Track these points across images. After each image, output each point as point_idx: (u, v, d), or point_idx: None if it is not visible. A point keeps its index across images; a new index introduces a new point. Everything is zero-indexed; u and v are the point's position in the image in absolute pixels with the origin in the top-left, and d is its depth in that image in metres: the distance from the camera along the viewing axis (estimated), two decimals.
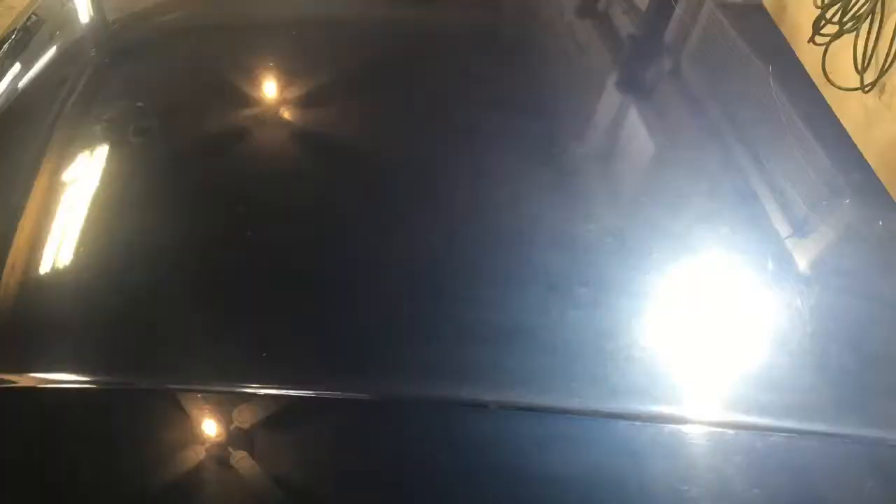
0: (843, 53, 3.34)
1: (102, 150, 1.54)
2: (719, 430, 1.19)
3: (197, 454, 1.10)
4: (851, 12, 3.28)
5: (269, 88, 1.76)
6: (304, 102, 1.72)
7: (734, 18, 2.17)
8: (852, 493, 1.17)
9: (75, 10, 2.07)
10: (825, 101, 1.90)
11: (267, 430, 1.14)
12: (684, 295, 1.37)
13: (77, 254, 1.33)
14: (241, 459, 1.09)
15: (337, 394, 1.18)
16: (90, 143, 1.56)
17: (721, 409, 1.21)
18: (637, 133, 1.77)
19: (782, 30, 2.23)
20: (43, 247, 1.34)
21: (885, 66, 3.14)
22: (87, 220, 1.38)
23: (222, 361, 1.21)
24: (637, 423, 1.17)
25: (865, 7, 3.21)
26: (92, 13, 2.07)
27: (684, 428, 1.18)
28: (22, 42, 1.91)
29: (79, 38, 1.96)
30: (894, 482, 1.19)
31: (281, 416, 1.16)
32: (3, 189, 1.45)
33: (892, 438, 1.22)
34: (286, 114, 1.69)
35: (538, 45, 2.02)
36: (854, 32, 3.29)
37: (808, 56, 3.36)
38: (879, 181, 1.66)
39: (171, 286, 1.31)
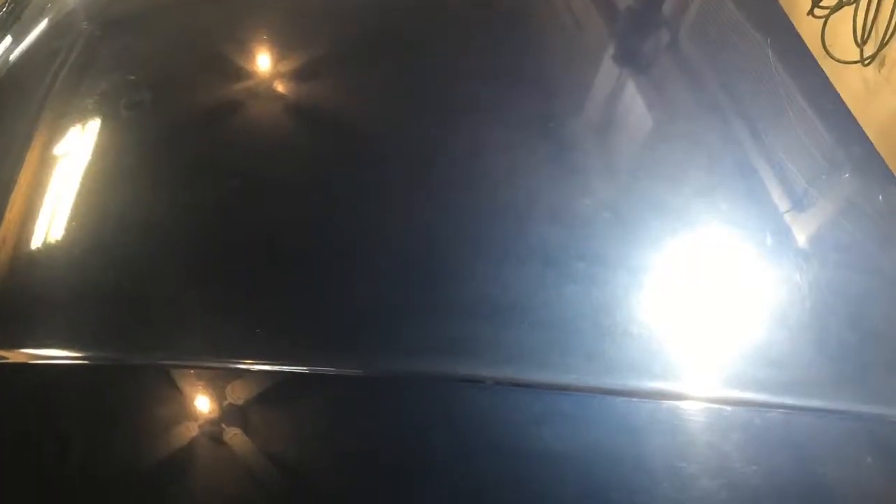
0: (843, 26, 3.32)
1: (94, 124, 1.53)
2: (717, 406, 1.18)
3: (190, 430, 1.09)
4: None
5: (263, 61, 1.74)
6: (299, 75, 1.70)
7: None
8: (851, 470, 1.17)
9: None
10: (824, 75, 1.89)
11: (260, 406, 1.14)
12: (682, 270, 1.36)
13: (69, 228, 1.32)
14: (234, 436, 1.08)
15: (331, 370, 1.18)
16: (82, 117, 1.54)
17: (719, 386, 1.21)
18: (635, 107, 1.75)
19: (781, 2, 2.21)
20: (34, 222, 1.33)
21: (885, 39, 3.13)
22: (79, 194, 1.37)
23: (215, 337, 1.20)
24: (634, 400, 1.17)
25: None
26: None
27: (682, 404, 1.18)
28: (13, 14, 1.89)
29: (70, 9, 1.94)
30: (894, 458, 1.19)
31: (275, 392, 1.15)
32: None
33: (892, 414, 1.22)
34: (280, 87, 1.68)
35: (535, 18, 2.00)
36: (853, 5, 3.28)
37: (808, 29, 3.35)
38: (879, 155, 1.65)
39: (164, 261, 1.30)
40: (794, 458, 1.16)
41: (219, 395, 1.14)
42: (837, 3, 3.33)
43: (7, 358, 1.17)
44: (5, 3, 1.94)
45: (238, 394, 1.13)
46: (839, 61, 3.34)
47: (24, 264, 1.29)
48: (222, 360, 1.17)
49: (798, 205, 1.51)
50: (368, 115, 1.62)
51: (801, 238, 1.44)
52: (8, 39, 1.79)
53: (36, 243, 1.31)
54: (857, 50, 3.28)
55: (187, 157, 1.49)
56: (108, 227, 1.34)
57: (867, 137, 1.69)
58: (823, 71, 1.90)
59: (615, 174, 1.56)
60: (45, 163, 1.44)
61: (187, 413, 1.14)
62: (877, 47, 3.19)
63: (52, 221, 1.32)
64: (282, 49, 1.79)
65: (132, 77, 1.64)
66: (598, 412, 1.16)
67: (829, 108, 1.77)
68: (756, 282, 1.37)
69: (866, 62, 3.25)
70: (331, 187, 1.43)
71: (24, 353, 1.17)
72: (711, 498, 1.09)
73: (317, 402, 1.18)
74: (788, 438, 1.17)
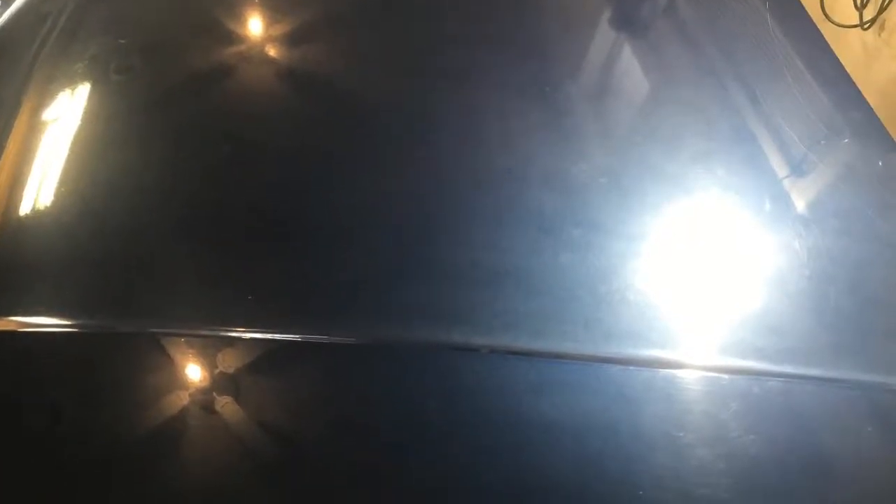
0: None
1: (84, 89, 1.51)
2: (715, 374, 1.18)
3: (180, 399, 1.08)
4: None
5: (255, 26, 1.72)
6: (292, 40, 1.68)
7: None
8: (851, 439, 1.17)
9: None
10: (823, 39, 1.88)
11: (252, 374, 1.13)
12: (680, 237, 1.35)
13: (58, 195, 1.30)
14: (225, 404, 1.07)
15: (324, 337, 1.17)
16: (71, 82, 1.52)
17: (717, 354, 1.20)
18: (631, 71, 1.74)
19: None
20: (23, 188, 1.31)
21: (885, 3, 3.12)
22: (69, 160, 1.35)
23: (207, 304, 1.19)
24: (631, 368, 1.16)
25: None
26: None
27: (680, 373, 1.17)
28: None
29: None
30: (893, 427, 1.18)
31: (266, 360, 1.14)
32: None
33: (892, 383, 1.21)
34: (273, 51, 1.66)
35: None
36: None
37: None
38: (879, 120, 1.64)
39: (154, 228, 1.28)
40: (792, 426, 1.16)
41: (210, 364, 1.13)
42: None
43: None
44: None
45: (229, 362, 1.12)
46: (838, 25, 3.32)
47: (13, 231, 1.28)
48: (213, 328, 1.16)
49: (797, 170, 1.50)
50: (362, 80, 1.60)
51: (800, 204, 1.44)
52: None
53: (25, 210, 1.29)
54: (857, 14, 3.26)
55: (178, 123, 1.47)
56: (97, 194, 1.32)
57: (866, 102, 1.68)
58: (822, 35, 1.89)
59: (612, 140, 1.55)
60: (35, 128, 1.42)
61: (178, 381, 1.12)
62: (876, 11, 3.17)
63: (41, 188, 1.31)
64: (274, 12, 1.77)
65: (122, 41, 1.62)
66: (594, 380, 1.15)
67: (829, 73, 1.76)
68: (754, 249, 1.36)
69: (866, 26, 3.23)
70: (323, 153, 1.42)
71: (13, 321, 1.16)
72: (709, 467, 1.08)
73: (309, 370, 1.17)
74: (787, 407, 1.17)
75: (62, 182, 1.31)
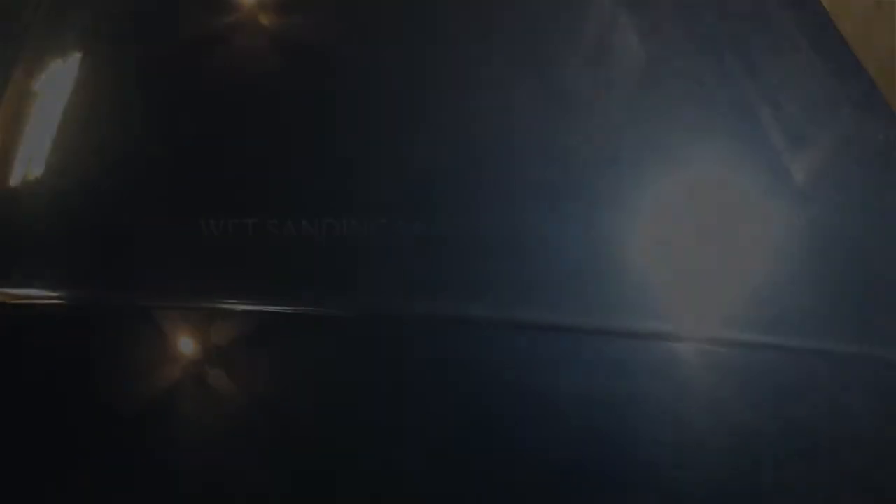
0: None
1: (74, 57, 1.49)
2: (713, 347, 1.18)
3: (172, 372, 1.07)
4: None
5: None
6: (285, 8, 1.67)
7: None
8: (851, 413, 1.16)
9: None
10: (824, 9, 1.86)
11: (245, 347, 1.12)
12: (679, 210, 1.34)
13: (48, 165, 1.29)
14: (217, 378, 1.06)
15: (320, 310, 1.15)
16: (62, 51, 1.50)
17: (717, 327, 1.20)
18: (629, 44, 1.73)
19: None
20: (12, 158, 1.30)
21: None
22: (58, 130, 1.33)
23: (199, 277, 1.18)
24: (629, 340, 1.16)
25: None
26: None
27: (678, 345, 1.17)
28: None
29: None
30: (892, 401, 1.18)
31: (260, 333, 1.14)
32: None
33: (891, 357, 1.21)
34: (266, 20, 1.64)
35: None
36: None
37: None
38: (879, 92, 1.63)
39: (145, 199, 1.27)
40: (791, 400, 1.15)
41: (202, 337, 1.12)
42: None
43: None
44: None
45: (222, 335, 1.11)
46: None
47: (2, 201, 1.26)
48: (206, 300, 1.14)
49: (796, 143, 1.49)
50: (359, 49, 1.58)
51: (799, 177, 1.43)
52: None
53: (14, 180, 1.28)
54: None
55: (169, 91, 1.46)
56: (88, 165, 1.31)
57: (867, 74, 1.67)
58: (823, 5, 1.87)
59: (610, 111, 1.53)
60: (24, 98, 1.40)
61: (170, 354, 1.12)
62: None
63: (30, 159, 1.30)
64: None
65: (114, 10, 1.60)
66: (592, 353, 1.15)
67: (829, 44, 1.74)
68: (754, 221, 1.36)
69: None
70: (318, 123, 1.40)
71: (1, 293, 1.15)
72: (707, 440, 1.08)
73: (304, 343, 1.16)
74: (787, 381, 1.16)
75: (51, 152, 1.30)
